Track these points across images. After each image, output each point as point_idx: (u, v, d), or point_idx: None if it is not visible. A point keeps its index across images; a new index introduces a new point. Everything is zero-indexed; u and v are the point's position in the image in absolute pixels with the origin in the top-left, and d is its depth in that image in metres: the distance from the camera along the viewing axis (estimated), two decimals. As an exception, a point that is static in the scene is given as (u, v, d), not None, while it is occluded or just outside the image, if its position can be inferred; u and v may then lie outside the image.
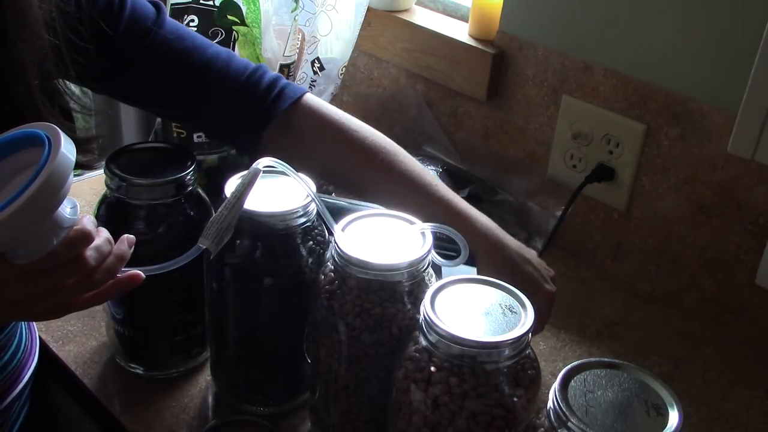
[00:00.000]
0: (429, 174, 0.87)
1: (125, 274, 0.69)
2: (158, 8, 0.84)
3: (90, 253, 0.64)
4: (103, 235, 0.66)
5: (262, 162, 0.73)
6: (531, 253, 0.87)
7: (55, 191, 0.58)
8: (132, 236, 0.69)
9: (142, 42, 0.82)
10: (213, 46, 0.86)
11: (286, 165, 0.74)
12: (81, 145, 0.64)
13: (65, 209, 0.62)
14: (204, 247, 0.71)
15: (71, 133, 0.63)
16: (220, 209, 0.72)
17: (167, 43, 0.83)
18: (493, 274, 0.82)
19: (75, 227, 0.63)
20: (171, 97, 0.87)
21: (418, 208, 0.84)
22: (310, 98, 0.88)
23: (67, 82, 0.78)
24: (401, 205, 0.89)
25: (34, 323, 0.94)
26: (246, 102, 0.86)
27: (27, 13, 0.68)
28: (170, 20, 0.85)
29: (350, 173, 0.89)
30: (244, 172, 0.73)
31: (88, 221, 0.64)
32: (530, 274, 0.84)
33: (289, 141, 0.87)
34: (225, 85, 0.85)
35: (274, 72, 0.89)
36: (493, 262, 0.83)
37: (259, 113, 0.86)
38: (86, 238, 0.63)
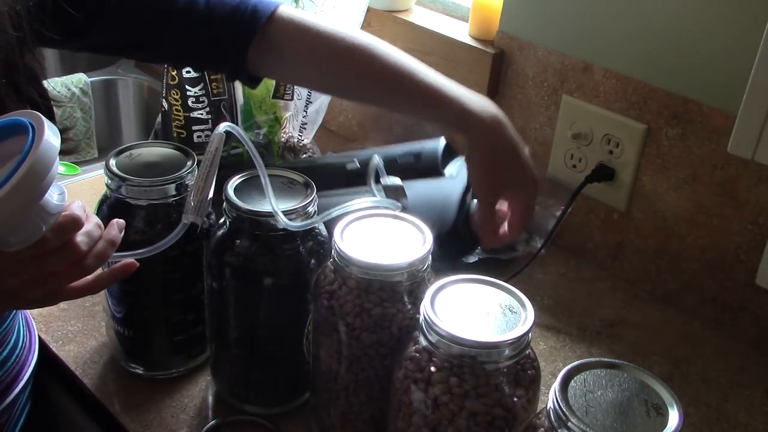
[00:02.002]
0: (409, 62, 0.84)
1: (119, 264, 0.69)
2: None
3: (80, 238, 0.64)
4: (92, 221, 0.66)
5: (222, 126, 0.74)
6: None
7: (40, 178, 0.59)
8: (121, 220, 0.69)
9: None
10: None
11: (244, 135, 0.75)
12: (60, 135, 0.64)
13: (53, 196, 0.62)
14: (188, 222, 0.72)
15: None
16: (195, 182, 0.74)
17: None
18: (486, 158, 0.81)
19: (64, 213, 0.63)
20: (148, 40, 0.86)
21: (406, 100, 0.83)
22: (285, 10, 0.87)
23: (44, 83, 0.77)
24: (389, 103, 0.88)
25: (32, 321, 0.94)
26: (223, 26, 0.85)
27: None
28: None
29: (332, 78, 0.88)
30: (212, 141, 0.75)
31: (77, 207, 0.64)
32: (524, 163, 0.83)
33: (271, 55, 0.87)
34: (198, 15, 0.84)
35: None
36: (487, 144, 0.81)
37: (239, 34, 0.85)
38: (75, 223, 0.63)
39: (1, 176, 0.58)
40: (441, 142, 0.95)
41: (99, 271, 0.68)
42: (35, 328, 0.95)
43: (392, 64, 0.84)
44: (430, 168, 0.84)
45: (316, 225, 0.80)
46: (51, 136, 0.60)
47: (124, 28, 0.84)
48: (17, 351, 0.88)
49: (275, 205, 0.74)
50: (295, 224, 0.75)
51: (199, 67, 0.99)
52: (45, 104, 0.76)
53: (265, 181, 0.74)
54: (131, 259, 0.70)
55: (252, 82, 0.92)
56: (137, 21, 0.84)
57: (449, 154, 0.96)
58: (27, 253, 0.62)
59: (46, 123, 0.60)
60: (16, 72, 0.72)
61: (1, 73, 0.70)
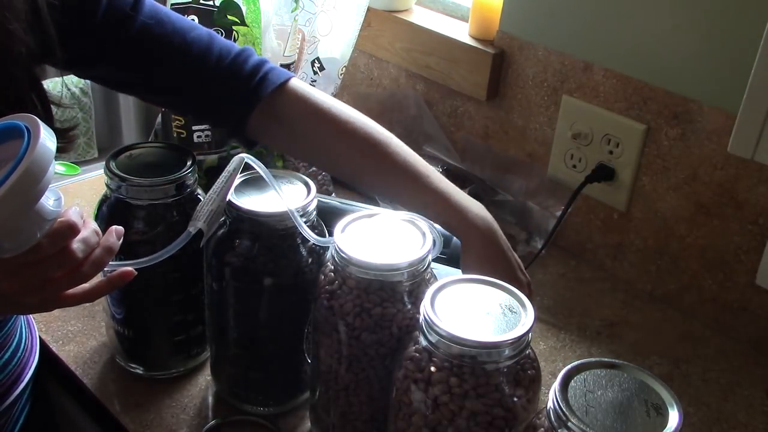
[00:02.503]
0: (421, 164, 0.85)
1: (117, 272, 0.68)
2: None
3: (77, 245, 0.63)
4: (90, 227, 0.65)
5: (245, 156, 0.75)
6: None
7: (35, 181, 0.58)
8: (120, 227, 0.68)
9: (121, 29, 0.80)
10: (195, 29, 0.84)
11: (265, 169, 0.76)
12: (62, 135, 0.63)
13: (48, 201, 0.61)
14: (193, 231, 0.72)
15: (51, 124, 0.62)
16: (209, 194, 0.75)
17: (146, 29, 0.81)
18: (479, 262, 0.83)
19: (60, 219, 0.62)
20: (153, 82, 0.85)
21: (409, 199, 0.84)
22: (296, 84, 0.86)
23: (43, 84, 0.77)
24: (392, 196, 0.89)
25: (33, 323, 0.94)
26: (229, 86, 0.84)
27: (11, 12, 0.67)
28: (149, 4, 0.83)
29: (339, 162, 0.88)
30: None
31: (74, 213, 0.63)
32: (513, 267, 0.84)
33: (275, 126, 0.86)
34: (207, 70, 0.84)
35: (260, 56, 0.87)
36: (480, 249, 0.83)
37: (243, 98, 0.85)
38: (71, 229, 0.62)
39: None
40: None
41: (98, 278, 0.67)
42: (36, 329, 0.95)
43: (403, 164, 0.84)
44: (458, 259, 0.86)
45: (318, 226, 0.81)
46: (47, 140, 0.59)
47: (133, 65, 0.84)
48: (19, 353, 0.88)
49: (307, 230, 0.74)
50: (321, 239, 0.76)
51: (199, 119, 0.99)
52: (43, 106, 0.75)
53: (294, 215, 0.75)
54: (128, 268, 0.69)
55: (250, 144, 0.91)
56: (148, 61, 0.83)
57: None
58: (22, 259, 0.61)
59: (42, 126, 0.59)
60: (32, 77, 0.73)
61: (26, 80, 0.70)
